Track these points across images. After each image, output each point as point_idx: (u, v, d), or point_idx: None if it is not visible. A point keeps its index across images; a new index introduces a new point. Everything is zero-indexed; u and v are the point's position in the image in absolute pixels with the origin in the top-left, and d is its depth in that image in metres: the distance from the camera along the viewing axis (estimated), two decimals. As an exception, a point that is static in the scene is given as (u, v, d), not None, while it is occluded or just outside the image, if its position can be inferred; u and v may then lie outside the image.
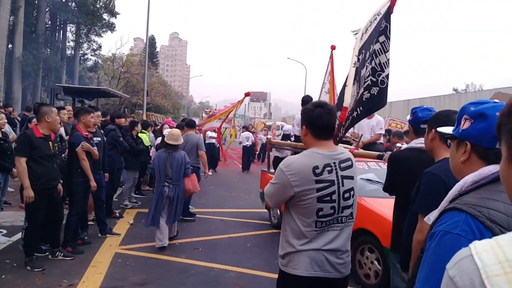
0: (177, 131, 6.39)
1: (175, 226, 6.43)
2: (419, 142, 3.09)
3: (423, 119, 3.11)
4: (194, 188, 6.47)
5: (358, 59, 4.60)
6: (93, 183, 5.56)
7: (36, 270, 4.70)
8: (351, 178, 2.47)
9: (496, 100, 1.41)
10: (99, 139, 6.16)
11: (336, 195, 2.37)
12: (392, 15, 4.51)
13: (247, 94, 11.33)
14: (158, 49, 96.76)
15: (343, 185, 2.40)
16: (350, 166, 2.48)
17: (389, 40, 4.44)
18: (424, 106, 3.33)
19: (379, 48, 4.49)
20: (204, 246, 6.18)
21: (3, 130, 6.31)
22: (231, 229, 7.21)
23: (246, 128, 19.09)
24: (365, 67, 4.58)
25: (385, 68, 4.46)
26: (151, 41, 70.11)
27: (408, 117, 3.37)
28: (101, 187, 6.10)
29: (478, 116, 1.34)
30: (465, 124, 1.39)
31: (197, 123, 9.93)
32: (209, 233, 6.93)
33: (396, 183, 3.25)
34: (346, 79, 4.88)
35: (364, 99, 4.60)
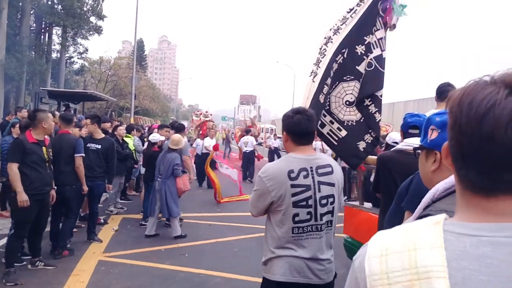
0: (177, 136, 7.05)
1: (175, 227, 6.78)
2: (405, 145, 3.14)
3: (411, 124, 3.25)
4: (184, 187, 6.91)
5: (336, 61, 4.44)
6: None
7: (11, 284, 4.54)
8: (331, 184, 2.46)
9: None
10: (98, 146, 6.33)
11: (312, 201, 2.38)
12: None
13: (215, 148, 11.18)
14: (146, 52, 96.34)
15: (319, 191, 2.40)
16: (330, 173, 2.47)
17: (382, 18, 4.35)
18: (414, 112, 3.49)
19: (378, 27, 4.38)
20: (191, 252, 6.09)
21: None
22: (218, 234, 7.13)
23: (247, 132, 16.50)
24: (364, 59, 4.40)
25: (382, 47, 4.36)
26: (140, 44, 69.81)
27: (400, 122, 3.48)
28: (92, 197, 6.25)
29: (444, 126, 1.37)
30: (433, 135, 1.45)
31: (186, 126, 9.91)
32: (196, 238, 6.84)
33: (381, 183, 3.35)
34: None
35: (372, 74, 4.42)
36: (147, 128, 14.38)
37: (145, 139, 10.15)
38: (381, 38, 4.39)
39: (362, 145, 4.51)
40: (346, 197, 10.60)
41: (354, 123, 4.52)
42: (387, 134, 8.58)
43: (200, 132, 14.80)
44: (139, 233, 6.88)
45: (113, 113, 33.24)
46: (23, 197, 4.56)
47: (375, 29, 4.40)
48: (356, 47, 4.43)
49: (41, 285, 4.59)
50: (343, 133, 4.52)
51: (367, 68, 4.36)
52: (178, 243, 6.45)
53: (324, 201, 2.42)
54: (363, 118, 4.51)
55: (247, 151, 14.81)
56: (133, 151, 9.16)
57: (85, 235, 6.32)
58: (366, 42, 4.41)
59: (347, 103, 4.51)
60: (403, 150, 3.13)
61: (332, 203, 2.46)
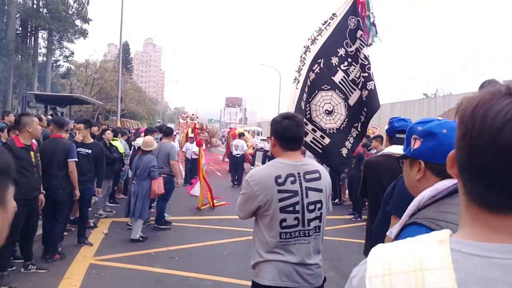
0: (149, 138, 7.13)
1: (137, 229, 6.77)
2: (391, 149, 3.22)
3: (398, 128, 3.25)
4: (158, 190, 6.92)
5: (312, 70, 4.66)
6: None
7: (5, 287, 4.60)
8: (318, 190, 2.46)
9: (440, 118, 1.51)
10: (88, 151, 6.46)
11: (299, 206, 2.38)
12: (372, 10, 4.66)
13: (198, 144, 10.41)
14: (132, 55, 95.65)
15: (307, 197, 2.40)
16: (318, 178, 2.47)
17: (364, 32, 4.59)
18: (401, 117, 3.47)
19: (360, 44, 4.60)
20: (180, 255, 6.18)
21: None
22: (207, 237, 7.21)
23: (240, 135, 15.50)
24: (341, 70, 4.64)
25: (369, 61, 4.59)
26: (125, 47, 69.38)
27: (386, 126, 3.50)
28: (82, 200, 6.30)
29: (427, 135, 1.41)
30: (416, 144, 1.44)
31: (172, 127, 9.94)
32: (185, 241, 6.93)
33: (368, 187, 3.39)
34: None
35: (364, 98, 4.65)
36: (133, 132, 14.37)
37: (132, 143, 10.22)
38: (367, 56, 4.62)
39: (344, 151, 4.73)
40: (337, 200, 10.76)
41: (335, 131, 4.74)
42: (374, 136, 8.79)
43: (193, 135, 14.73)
44: (128, 236, 6.95)
45: (100, 116, 33.04)
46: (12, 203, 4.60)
47: (348, 44, 4.64)
48: (332, 58, 4.65)
49: (34, 288, 4.67)
50: (327, 140, 4.72)
51: (373, 79, 4.58)
52: (167, 246, 6.54)
53: (311, 207, 2.41)
54: (342, 125, 4.74)
55: (237, 155, 14.01)
56: (123, 154, 9.22)
57: (75, 239, 6.37)
58: (339, 54, 4.64)
59: (327, 112, 4.72)
60: (390, 154, 3.22)
61: (320, 208, 2.46)
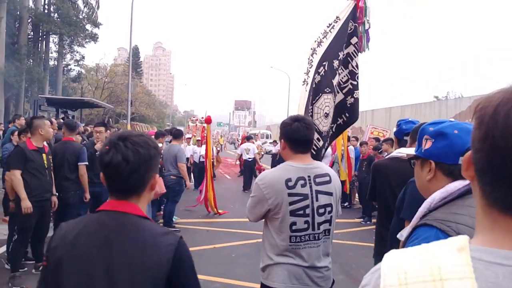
0: None
1: None
2: (399, 152, 3.21)
3: (406, 131, 3.23)
4: (160, 189, 6.84)
5: (318, 72, 4.69)
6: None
7: None
8: (328, 194, 2.45)
9: (452, 119, 1.51)
10: None
11: (309, 210, 2.37)
12: (368, 16, 4.69)
13: (207, 121, 9.91)
14: (142, 59, 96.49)
15: (317, 200, 2.39)
16: (328, 182, 2.46)
17: (359, 39, 4.63)
18: (409, 119, 3.48)
19: (353, 50, 4.64)
20: (189, 257, 6.18)
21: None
22: (216, 240, 7.22)
23: (248, 138, 15.25)
24: (338, 74, 4.69)
25: (358, 69, 4.64)
26: (135, 51, 69.87)
27: (394, 128, 3.50)
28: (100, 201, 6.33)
29: (438, 135, 1.41)
30: (427, 144, 1.44)
31: (182, 130, 9.94)
32: (194, 243, 6.93)
33: (377, 190, 3.37)
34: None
35: (348, 105, 4.70)
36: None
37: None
38: (358, 65, 4.66)
39: (323, 152, 4.82)
40: (347, 204, 10.71)
41: (326, 133, 4.80)
42: (384, 139, 8.75)
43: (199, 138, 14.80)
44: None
45: (110, 119, 33.30)
46: (27, 204, 4.66)
47: (345, 46, 4.68)
48: (334, 61, 4.68)
49: (45, 289, 4.70)
50: (321, 143, 4.76)
51: (355, 97, 4.63)
52: (177, 249, 6.55)
53: (321, 210, 2.40)
54: (330, 127, 4.81)
55: (249, 159, 13.80)
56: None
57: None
58: (339, 58, 4.68)
59: (325, 114, 4.75)
60: (398, 157, 3.20)
61: (330, 212, 2.45)
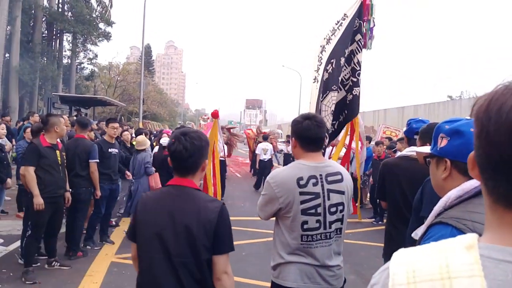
0: (141, 137, 7.66)
1: None
2: (409, 151, 3.19)
3: (416, 130, 3.19)
4: (156, 185, 7.12)
5: (326, 70, 4.69)
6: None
7: (30, 283, 4.71)
8: (340, 192, 2.42)
9: (468, 117, 1.48)
10: (116, 151, 6.57)
11: (321, 209, 2.35)
12: (375, 14, 4.67)
13: (214, 114, 9.22)
14: (154, 58, 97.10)
15: (329, 199, 2.37)
16: (340, 180, 2.43)
17: (363, 37, 4.61)
18: (419, 118, 3.48)
19: (356, 47, 4.63)
20: (200, 255, 6.21)
21: None
22: (226, 238, 7.23)
23: (265, 138, 14.65)
24: (342, 71, 4.68)
25: (361, 67, 4.62)
26: (147, 50, 70.35)
27: (405, 128, 3.50)
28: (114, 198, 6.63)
29: (454, 133, 1.39)
30: (442, 142, 1.43)
31: (190, 127, 9.90)
32: (205, 241, 6.97)
33: (386, 189, 3.35)
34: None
35: (348, 102, 4.70)
36: (155, 133, 14.53)
37: (155, 144, 10.33)
38: (360, 61, 4.65)
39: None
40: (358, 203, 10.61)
41: (330, 131, 4.79)
42: (398, 138, 8.66)
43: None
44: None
45: (122, 117, 33.57)
46: (39, 200, 4.73)
47: (350, 43, 4.67)
48: (341, 58, 4.67)
49: (57, 284, 4.77)
50: (326, 141, 4.75)
51: (359, 86, 4.61)
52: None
53: (333, 209, 2.38)
54: (332, 124, 4.79)
55: (265, 159, 13.36)
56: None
57: (97, 237, 6.49)
58: (346, 55, 4.66)
59: (332, 111, 4.75)
60: (408, 156, 3.12)
61: (341, 211, 2.42)
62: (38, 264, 5.20)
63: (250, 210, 9.54)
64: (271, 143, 14.84)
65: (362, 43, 4.64)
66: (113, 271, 5.31)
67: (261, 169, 13.34)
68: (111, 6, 30.59)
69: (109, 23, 28.36)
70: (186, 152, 2.00)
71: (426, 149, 1.57)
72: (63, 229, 5.59)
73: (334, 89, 4.68)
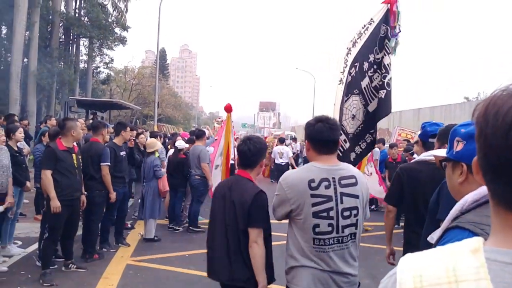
0: (150, 140, 7.64)
1: (150, 228, 6.90)
2: (427, 155, 3.14)
3: (431, 133, 3.21)
4: (163, 188, 7.09)
5: (350, 73, 4.68)
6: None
7: (47, 284, 4.77)
8: (354, 196, 2.38)
9: None
10: (125, 153, 6.63)
11: (333, 212, 2.31)
12: (400, 20, 4.65)
13: (227, 109, 8.66)
14: (168, 61, 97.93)
15: (342, 202, 2.33)
16: (354, 184, 2.39)
17: (389, 41, 4.58)
18: (433, 121, 3.45)
19: (384, 52, 4.60)
20: (214, 258, 6.22)
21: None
22: (241, 241, 7.23)
23: (281, 141, 14.20)
24: (367, 76, 4.64)
25: (389, 71, 4.57)
26: (162, 54, 70.96)
27: (419, 130, 3.49)
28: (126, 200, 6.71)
29: (470, 137, 1.36)
30: (458, 146, 1.41)
31: (204, 131, 9.87)
32: (219, 244, 6.98)
33: (404, 194, 3.30)
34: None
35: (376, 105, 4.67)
36: (169, 136, 14.57)
37: (169, 147, 10.39)
38: (390, 63, 4.61)
39: (352, 155, 4.77)
40: (374, 206, 10.51)
41: (352, 136, 4.75)
42: (415, 140, 8.55)
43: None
44: (163, 238, 7.09)
45: (137, 121, 33.88)
46: (56, 203, 4.79)
47: (377, 50, 4.63)
48: (364, 62, 4.66)
49: (74, 286, 4.83)
50: (347, 145, 4.72)
51: (386, 88, 4.55)
52: (202, 249, 6.59)
53: (346, 213, 2.34)
54: (357, 131, 4.75)
55: (282, 163, 12.89)
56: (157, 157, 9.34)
57: (112, 239, 6.55)
58: (369, 60, 4.65)
59: (352, 116, 4.72)
60: (427, 160, 3.07)
61: (355, 215, 2.37)
62: (55, 266, 5.27)
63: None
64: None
65: (389, 47, 4.61)
66: (129, 273, 5.35)
67: (278, 173, 12.65)
68: (126, 11, 31.00)
69: (124, 27, 28.65)
70: (249, 151, 2.80)
71: (442, 152, 1.55)
72: (79, 232, 5.66)
73: (356, 93, 4.66)
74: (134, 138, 8.03)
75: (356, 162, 4.83)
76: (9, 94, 17.70)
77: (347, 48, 4.80)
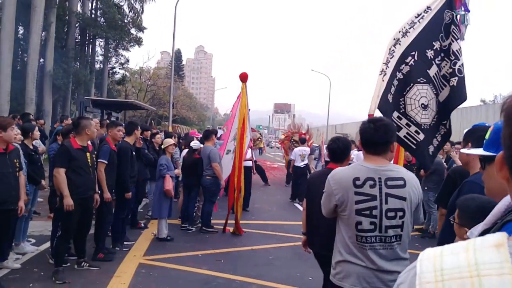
0: (166, 140, 7.74)
1: (161, 228, 6.90)
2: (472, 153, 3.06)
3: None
4: (167, 186, 7.03)
5: (406, 63, 4.53)
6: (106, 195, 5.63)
7: (60, 282, 4.78)
8: (401, 198, 2.39)
9: None
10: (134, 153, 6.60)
11: (377, 211, 2.36)
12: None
13: (242, 77, 7.98)
14: (184, 62, 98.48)
15: (386, 203, 2.36)
16: (401, 186, 2.40)
17: (458, 28, 4.45)
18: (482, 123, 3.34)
19: (452, 38, 4.47)
20: (226, 258, 6.20)
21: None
22: (253, 241, 7.21)
23: (302, 141, 13.09)
24: (435, 64, 4.50)
25: (460, 56, 4.43)
26: (177, 55, 71.41)
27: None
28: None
29: None
30: None
31: (219, 134, 9.84)
32: (232, 244, 6.96)
33: (452, 198, 3.23)
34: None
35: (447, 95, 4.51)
36: (182, 136, 14.58)
37: (183, 147, 10.41)
38: (459, 48, 4.47)
39: (431, 148, 4.61)
40: None
41: (428, 127, 4.57)
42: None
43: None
44: (178, 237, 7.08)
45: (152, 121, 34.09)
46: (69, 201, 4.80)
47: (443, 37, 4.51)
48: (427, 51, 4.52)
49: (86, 284, 4.83)
50: (421, 136, 4.54)
51: (458, 75, 4.41)
52: (214, 249, 6.58)
53: (391, 214, 2.36)
54: (433, 122, 4.58)
55: (301, 166, 11.78)
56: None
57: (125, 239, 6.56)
58: (434, 48, 4.51)
59: (422, 106, 4.55)
60: None
61: (401, 217, 2.38)
62: (68, 264, 5.28)
63: (278, 214, 9.48)
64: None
65: (458, 32, 4.47)
66: (141, 272, 5.34)
67: (296, 176, 11.86)
68: (142, 12, 31.18)
69: (140, 28, 28.86)
70: (339, 149, 3.52)
71: (480, 151, 1.46)
72: (92, 230, 5.67)
73: (422, 81, 4.52)
74: (141, 137, 8.01)
75: (435, 155, 4.71)
76: (25, 93, 17.93)
77: (395, 39, 4.68)
